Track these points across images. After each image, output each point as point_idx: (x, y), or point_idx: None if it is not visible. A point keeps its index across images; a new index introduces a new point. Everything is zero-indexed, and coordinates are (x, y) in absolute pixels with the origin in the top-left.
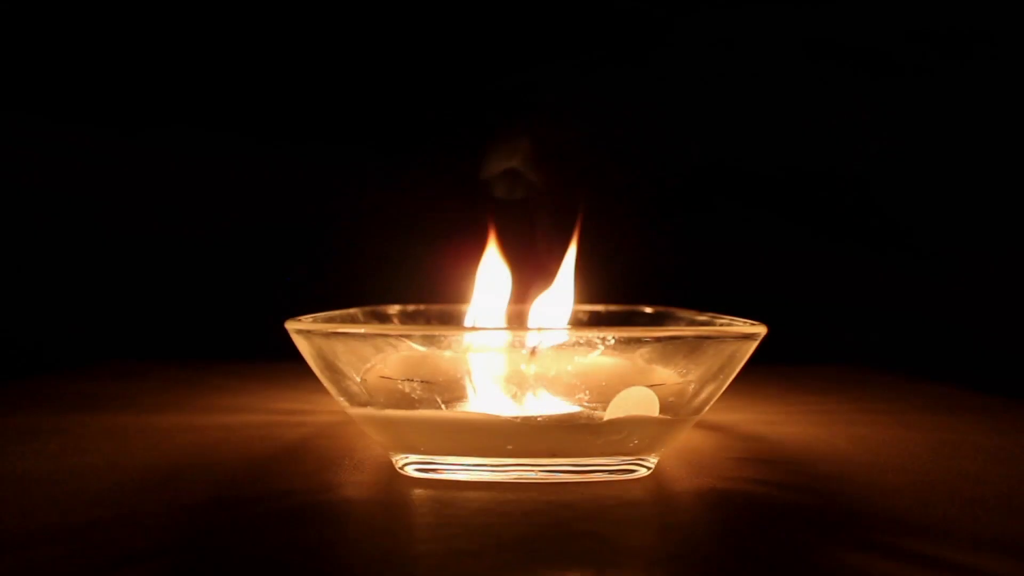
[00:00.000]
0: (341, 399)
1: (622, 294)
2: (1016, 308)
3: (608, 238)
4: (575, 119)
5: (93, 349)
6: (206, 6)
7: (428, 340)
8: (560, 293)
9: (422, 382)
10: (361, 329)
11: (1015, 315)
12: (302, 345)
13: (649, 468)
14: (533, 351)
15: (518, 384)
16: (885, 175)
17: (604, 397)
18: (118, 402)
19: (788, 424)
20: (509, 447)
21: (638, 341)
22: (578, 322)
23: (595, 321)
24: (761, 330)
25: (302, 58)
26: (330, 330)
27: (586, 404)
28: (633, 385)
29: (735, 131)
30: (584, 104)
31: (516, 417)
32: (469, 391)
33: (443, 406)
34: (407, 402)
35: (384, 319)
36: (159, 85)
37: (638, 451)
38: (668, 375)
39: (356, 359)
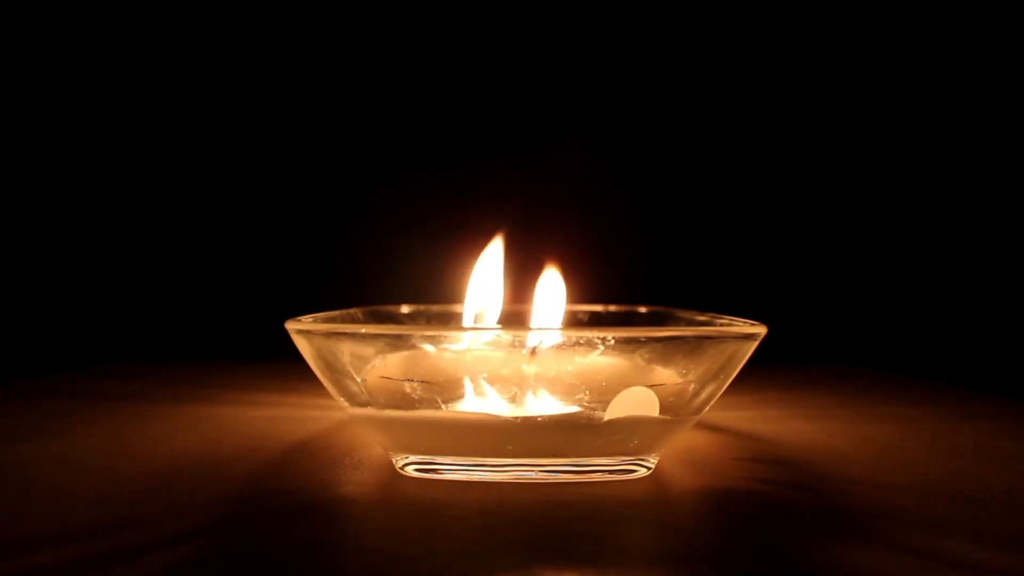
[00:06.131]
0: (341, 399)
1: (622, 294)
2: (1015, 308)
3: (608, 237)
4: (575, 119)
5: (93, 349)
6: (205, 6)
7: (428, 340)
8: (551, 291)
9: (422, 382)
10: (361, 329)
11: (1014, 315)
12: (302, 345)
13: (649, 468)
14: (533, 351)
15: (518, 384)
16: (885, 174)
17: (604, 397)
18: (118, 402)
19: (788, 424)
20: (509, 447)
21: (638, 341)
22: (578, 322)
23: (595, 321)
24: (761, 330)
25: (305, 58)
26: (330, 330)
27: (586, 404)
28: (633, 385)
29: (735, 130)
30: (582, 102)
31: (516, 417)
32: (469, 391)
33: (443, 406)
34: (407, 402)
35: (384, 319)
36: (160, 84)
37: (638, 451)
38: (668, 375)
39: (356, 359)
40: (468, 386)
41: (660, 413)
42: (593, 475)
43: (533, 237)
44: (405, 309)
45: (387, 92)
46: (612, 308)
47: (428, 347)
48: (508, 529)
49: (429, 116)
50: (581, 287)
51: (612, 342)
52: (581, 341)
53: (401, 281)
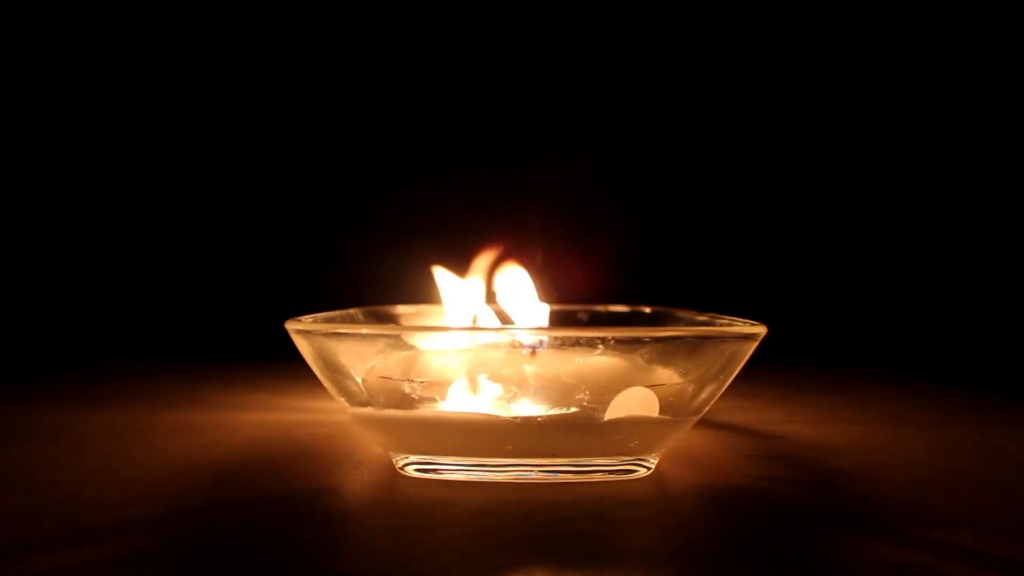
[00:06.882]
0: (341, 399)
1: (622, 294)
2: (1015, 308)
3: (608, 238)
4: (574, 120)
5: (93, 349)
6: (207, 7)
7: (428, 340)
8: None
9: (422, 382)
10: (361, 329)
11: (1014, 315)
12: (302, 345)
13: (649, 468)
14: (533, 351)
15: (518, 384)
16: (884, 174)
17: (604, 397)
18: (118, 402)
19: (788, 424)
20: (509, 447)
21: (638, 341)
22: (578, 322)
23: (595, 321)
24: (761, 330)
25: (306, 60)
26: (330, 330)
27: (586, 404)
28: (633, 385)
29: (735, 131)
30: (582, 103)
31: (516, 417)
32: (468, 391)
33: (443, 406)
34: (407, 402)
35: (384, 319)
36: (160, 85)
37: (638, 451)
38: (668, 375)
39: (356, 359)
40: (467, 386)
41: (660, 413)
42: (593, 475)
43: (533, 238)
44: (405, 309)
45: (387, 94)
46: (612, 308)
47: (427, 348)
48: (508, 529)
49: (430, 117)
50: (581, 287)
51: (612, 342)
52: (581, 341)
53: (401, 281)
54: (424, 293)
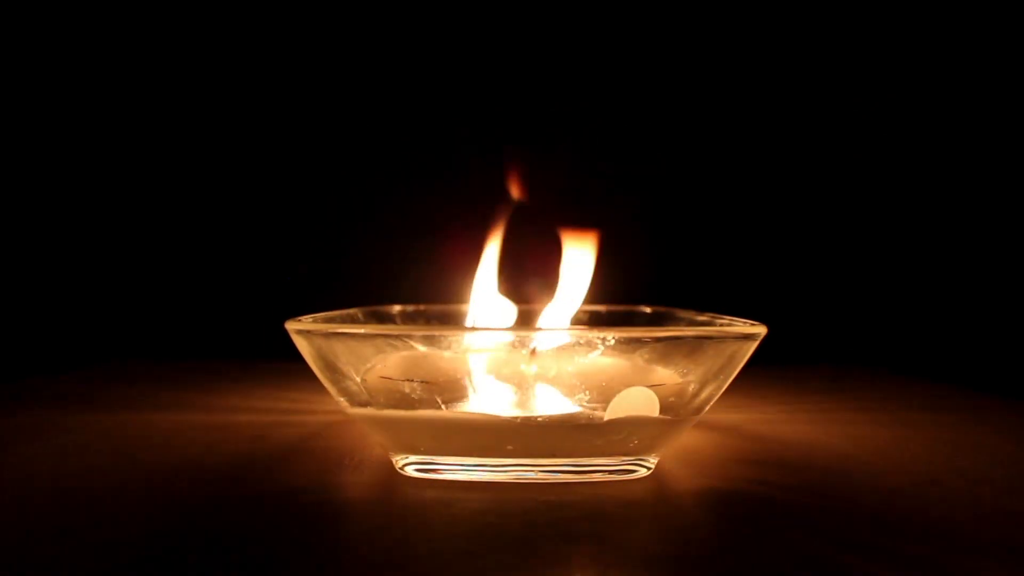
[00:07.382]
0: (341, 399)
1: (622, 294)
2: (1014, 308)
3: (608, 238)
4: (573, 118)
5: (93, 349)
6: (208, 6)
7: (428, 340)
8: (567, 295)
9: (422, 382)
10: (361, 329)
11: (1014, 315)
12: (302, 345)
13: (649, 468)
14: (533, 351)
15: (518, 384)
16: (884, 174)
17: (604, 397)
18: (118, 402)
19: (788, 424)
20: (509, 447)
21: (638, 341)
22: (578, 322)
23: (595, 321)
24: (761, 330)
25: (306, 63)
26: (330, 330)
27: (586, 404)
28: (633, 385)
29: (735, 130)
30: (582, 102)
31: (516, 417)
32: (469, 391)
33: (443, 406)
34: (407, 402)
35: (384, 319)
36: (163, 84)
37: (638, 451)
38: (668, 375)
39: (356, 359)
40: (468, 386)
41: (660, 413)
42: (593, 475)
43: (533, 237)
44: (404, 309)
45: (388, 94)
46: (613, 308)
47: (426, 347)
48: (508, 529)
49: (430, 117)
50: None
51: (612, 342)
52: (581, 341)
53: (401, 281)
54: (424, 293)
